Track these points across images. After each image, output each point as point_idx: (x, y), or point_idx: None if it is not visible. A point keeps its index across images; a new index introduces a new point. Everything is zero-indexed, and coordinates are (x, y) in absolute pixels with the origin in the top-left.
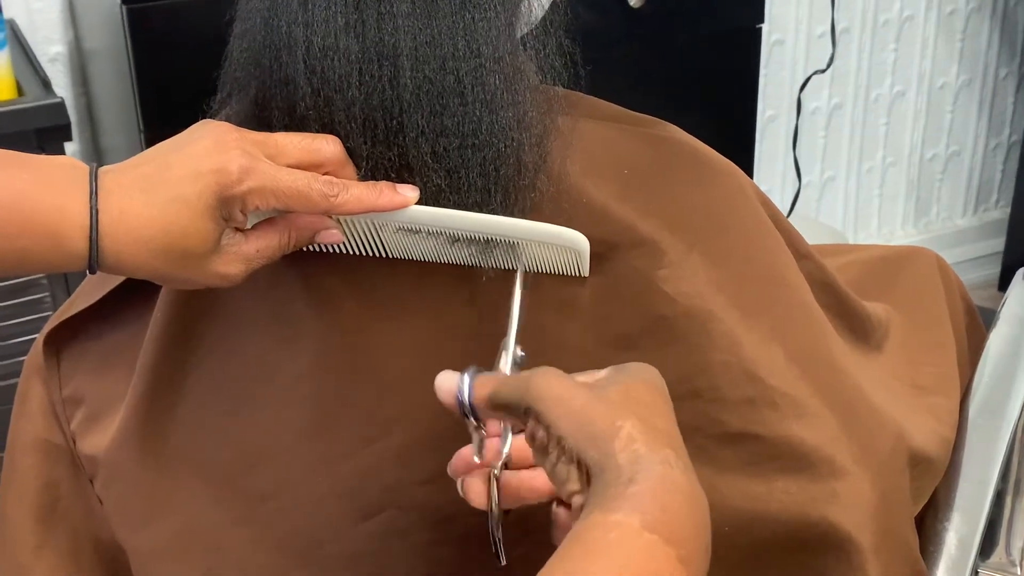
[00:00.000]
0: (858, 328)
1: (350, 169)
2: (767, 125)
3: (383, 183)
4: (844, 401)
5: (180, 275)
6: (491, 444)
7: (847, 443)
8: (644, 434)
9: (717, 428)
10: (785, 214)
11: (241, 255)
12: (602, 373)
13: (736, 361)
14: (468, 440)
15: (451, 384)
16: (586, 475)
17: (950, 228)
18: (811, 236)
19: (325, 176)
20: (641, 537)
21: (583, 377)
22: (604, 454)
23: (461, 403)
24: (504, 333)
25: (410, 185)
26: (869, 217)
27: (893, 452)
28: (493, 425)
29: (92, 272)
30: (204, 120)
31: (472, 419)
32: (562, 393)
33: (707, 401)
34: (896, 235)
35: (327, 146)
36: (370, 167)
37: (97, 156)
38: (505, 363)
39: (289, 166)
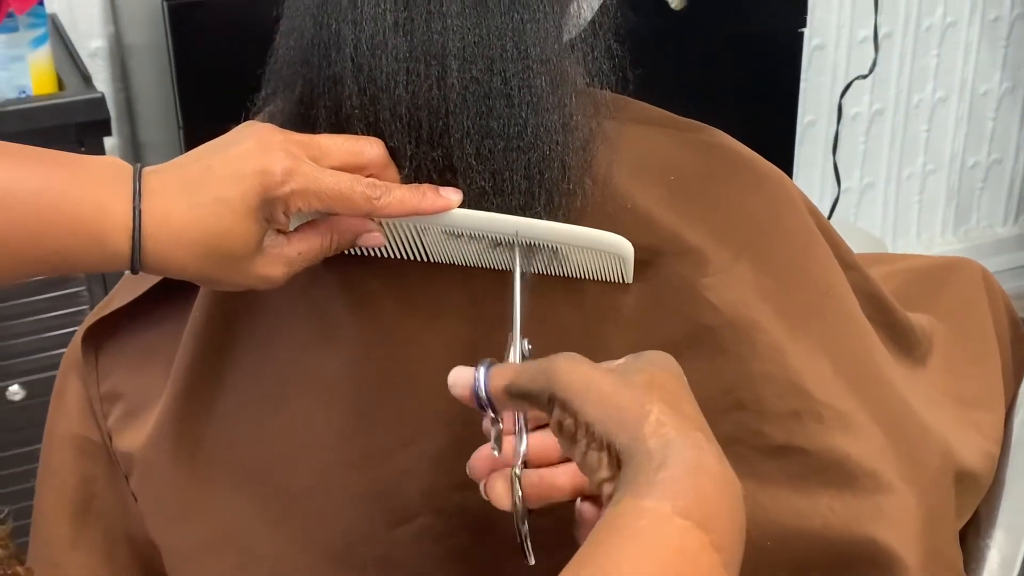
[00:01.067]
0: (903, 341)
1: (393, 172)
2: (806, 130)
3: (426, 186)
4: (891, 416)
5: (222, 277)
6: (508, 442)
7: (894, 459)
8: (673, 419)
9: (761, 440)
10: None
11: (283, 257)
12: (619, 361)
13: (781, 372)
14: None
15: (466, 377)
16: (616, 461)
17: (990, 237)
18: (849, 242)
19: (368, 178)
20: (673, 523)
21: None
22: (633, 439)
23: (478, 395)
24: (544, 338)
25: (453, 188)
26: (908, 224)
27: (940, 469)
28: (510, 419)
29: (135, 272)
30: (248, 122)
31: (490, 411)
32: (588, 379)
33: (751, 413)
34: (935, 243)
35: (370, 148)
36: (414, 167)
37: (136, 151)
38: (513, 355)
39: (332, 168)
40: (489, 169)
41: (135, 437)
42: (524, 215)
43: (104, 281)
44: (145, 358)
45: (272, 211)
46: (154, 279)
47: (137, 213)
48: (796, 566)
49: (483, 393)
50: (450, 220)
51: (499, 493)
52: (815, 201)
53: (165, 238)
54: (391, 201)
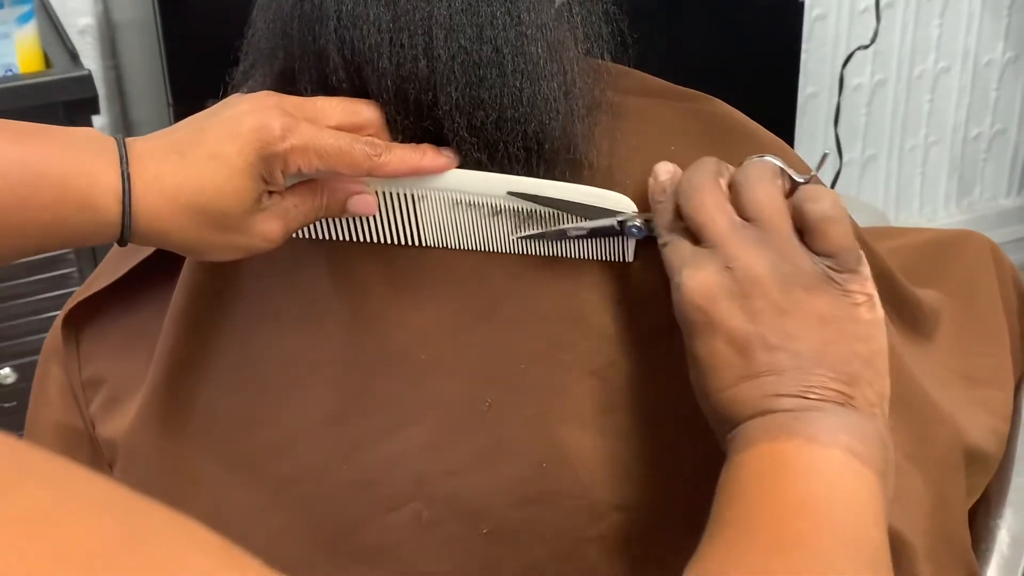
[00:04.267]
0: (910, 317)
1: (387, 137)
2: (808, 102)
3: (426, 145)
4: (898, 394)
5: (217, 240)
6: None
7: (901, 438)
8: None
9: None
10: None
11: (279, 210)
12: None
13: None
14: (498, 434)
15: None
16: None
17: (993, 208)
18: (852, 216)
19: (367, 137)
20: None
21: None
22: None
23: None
24: (528, 321)
25: (451, 148)
26: (911, 197)
27: (949, 449)
28: None
29: (123, 244)
30: (237, 94)
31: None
32: None
33: None
34: (938, 215)
35: (367, 109)
36: (405, 141)
37: (126, 129)
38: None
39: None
40: (483, 141)
41: (118, 424)
42: None
43: (95, 261)
44: (128, 342)
45: (270, 168)
46: (136, 260)
47: (126, 177)
48: None
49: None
50: (450, 182)
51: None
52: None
53: (157, 201)
54: (391, 159)
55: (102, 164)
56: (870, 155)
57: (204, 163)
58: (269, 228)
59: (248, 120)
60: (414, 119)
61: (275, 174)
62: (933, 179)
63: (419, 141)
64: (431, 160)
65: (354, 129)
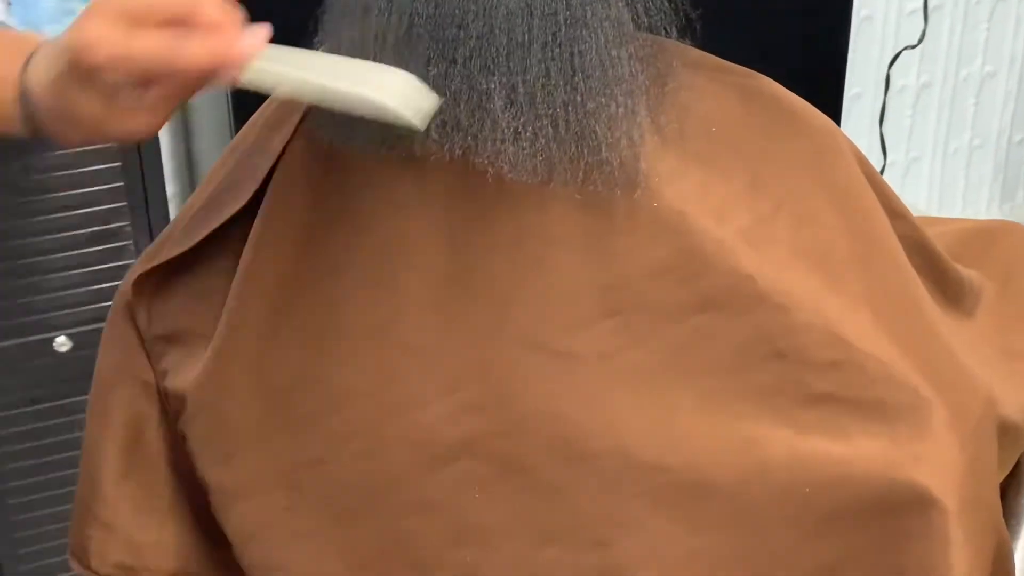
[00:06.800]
0: (951, 292)
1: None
2: (853, 103)
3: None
4: (935, 365)
5: (90, 139)
6: None
7: (938, 407)
8: None
9: (801, 390)
10: None
11: (145, 105)
12: None
13: (822, 323)
14: (554, 394)
15: None
16: None
17: None
18: None
19: (173, 31)
20: None
21: None
22: None
23: None
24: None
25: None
26: (954, 199)
27: (983, 418)
28: None
29: (28, 133)
30: None
31: None
32: None
33: (792, 363)
34: (980, 218)
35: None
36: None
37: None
38: None
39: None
40: (517, 103)
41: (185, 376)
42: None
43: (151, 235)
44: (198, 298)
45: (90, 79)
46: (207, 228)
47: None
48: (834, 512)
49: None
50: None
51: None
52: None
53: (43, 99)
54: (191, 49)
55: (11, 70)
56: (914, 157)
57: (54, 80)
58: (133, 126)
59: (72, 33)
60: (450, 70)
61: (98, 84)
62: (976, 182)
63: (455, 94)
64: (237, 47)
65: (184, 20)
